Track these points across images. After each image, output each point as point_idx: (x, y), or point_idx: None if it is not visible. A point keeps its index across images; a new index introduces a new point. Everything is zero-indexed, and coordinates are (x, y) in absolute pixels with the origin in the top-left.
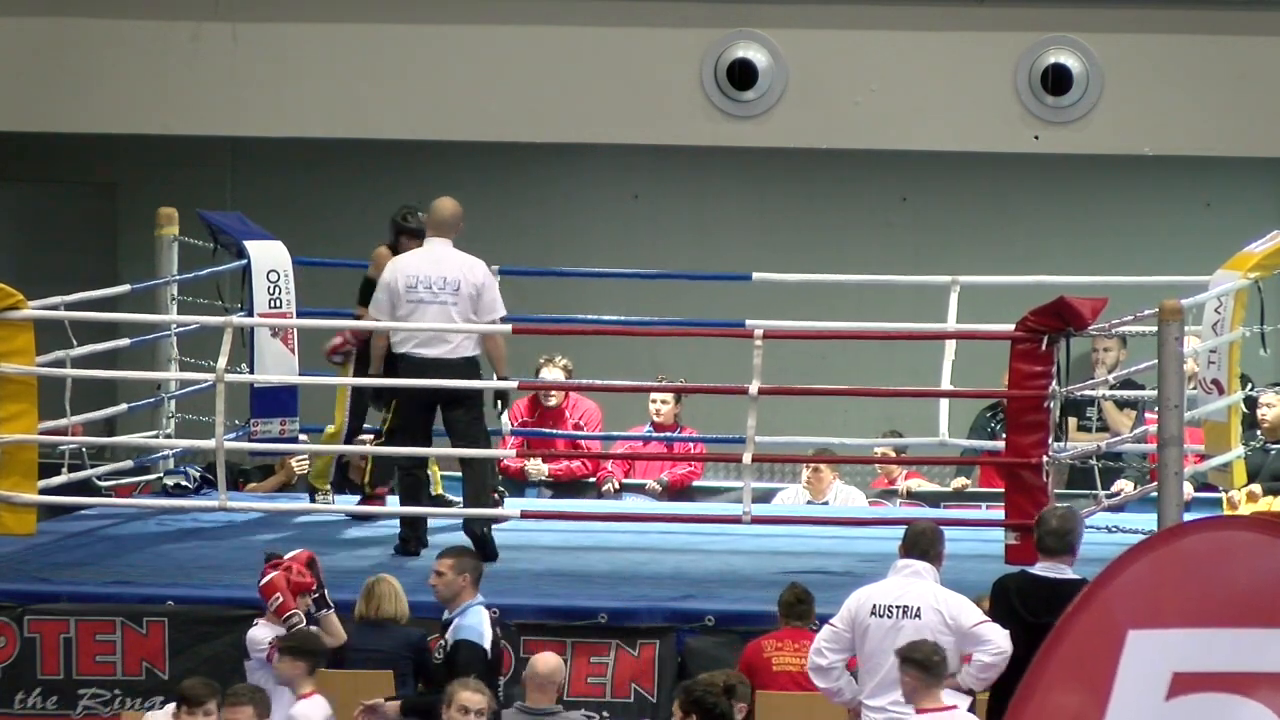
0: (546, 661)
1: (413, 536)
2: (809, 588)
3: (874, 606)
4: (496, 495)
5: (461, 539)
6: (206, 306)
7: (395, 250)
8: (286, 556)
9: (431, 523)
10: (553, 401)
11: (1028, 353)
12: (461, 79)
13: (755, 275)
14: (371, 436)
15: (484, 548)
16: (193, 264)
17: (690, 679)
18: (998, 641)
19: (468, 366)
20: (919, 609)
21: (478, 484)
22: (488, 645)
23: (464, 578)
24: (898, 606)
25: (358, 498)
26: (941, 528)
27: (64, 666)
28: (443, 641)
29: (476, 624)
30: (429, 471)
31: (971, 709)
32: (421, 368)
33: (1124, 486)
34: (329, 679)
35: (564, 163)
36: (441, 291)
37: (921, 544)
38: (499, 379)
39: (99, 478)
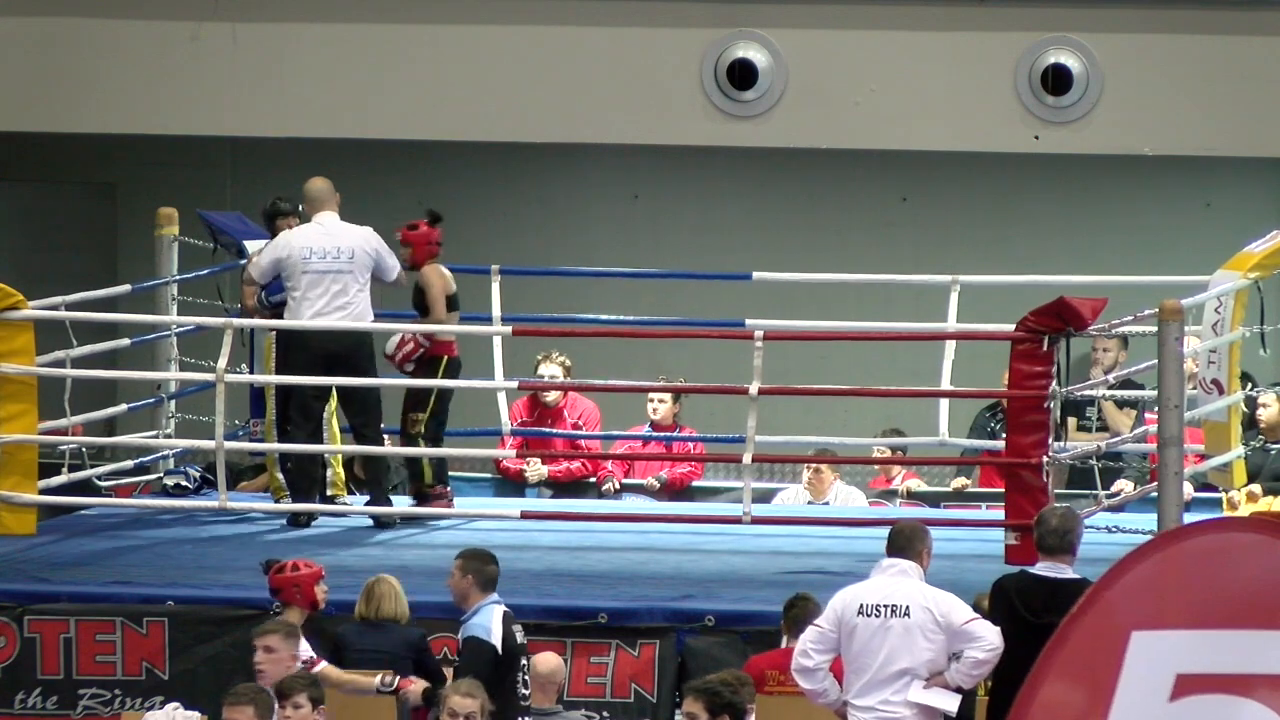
0: (547, 662)
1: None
2: (809, 589)
3: (861, 606)
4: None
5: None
6: (206, 306)
7: None
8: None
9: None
10: (551, 399)
11: (1028, 353)
12: (461, 79)
13: (755, 275)
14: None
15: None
16: (193, 264)
17: (701, 680)
18: (989, 638)
19: (365, 338)
20: (908, 607)
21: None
22: (496, 642)
23: (468, 580)
24: (886, 605)
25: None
26: (928, 526)
27: (64, 666)
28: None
29: (485, 621)
30: (330, 471)
31: (971, 710)
32: (308, 340)
33: (1124, 486)
34: (329, 679)
35: (564, 163)
36: (336, 260)
37: (902, 542)
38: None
39: (99, 478)
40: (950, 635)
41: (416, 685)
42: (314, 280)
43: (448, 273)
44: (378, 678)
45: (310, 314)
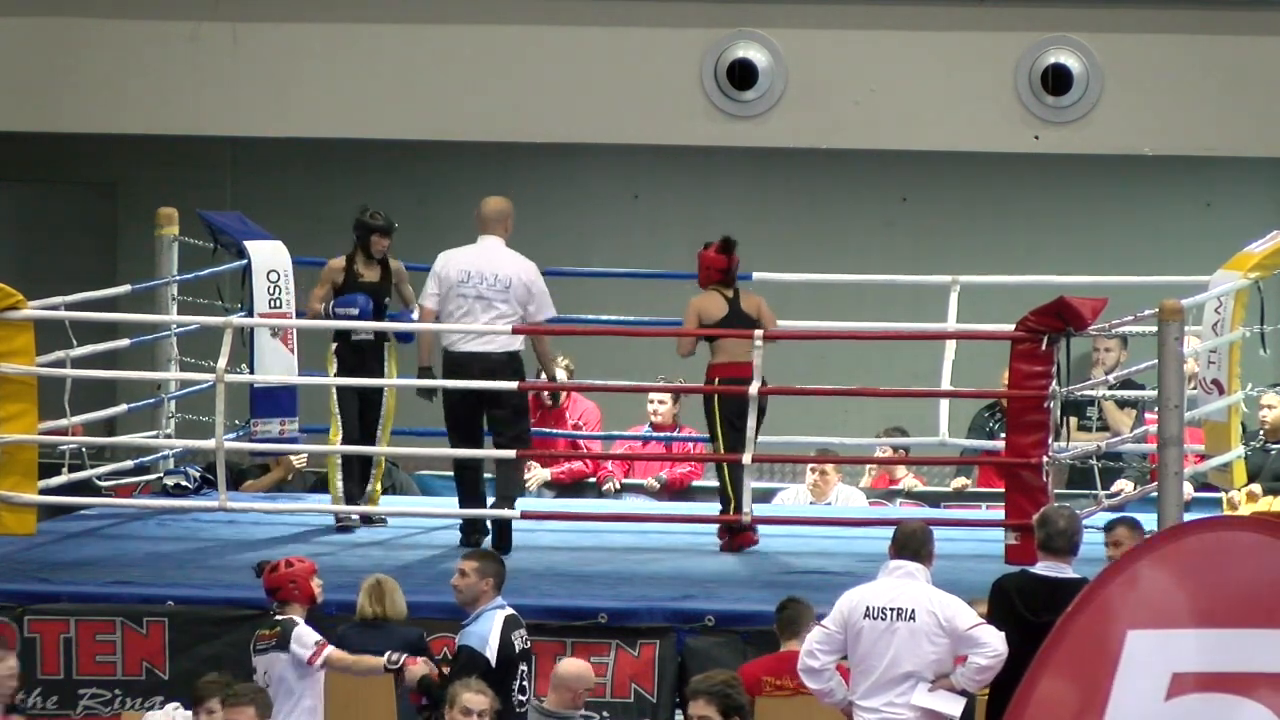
0: (569, 666)
1: (472, 530)
2: (809, 589)
3: (867, 609)
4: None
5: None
6: (206, 306)
7: (366, 253)
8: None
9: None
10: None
11: (1028, 353)
12: (461, 79)
13: (755, 275)
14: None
15: (504, 539)
16: (193, 264)
17: (704, 682)
18: (994, 644)
19: (509, 361)
20: (913, 611)
21: (504, 479)
22: (491, 653)
23: (486, 581)
24: (892, 609)
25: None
26: (930, 527)
27: (64, 666)
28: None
29: (484, 631)
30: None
31: (970, 708)
32: (462, 362)
33: (1124, 486)
34: (329, 679)
35: (564, 163)
36: (491, 288)
37: (913, 545)
38: (548, 377)
39: (99, 478)
40: (955, 640)
41: (419, 666)
42: (462, 304)
43: (718, 300)
44: (385, 656)
45: (453, 339)
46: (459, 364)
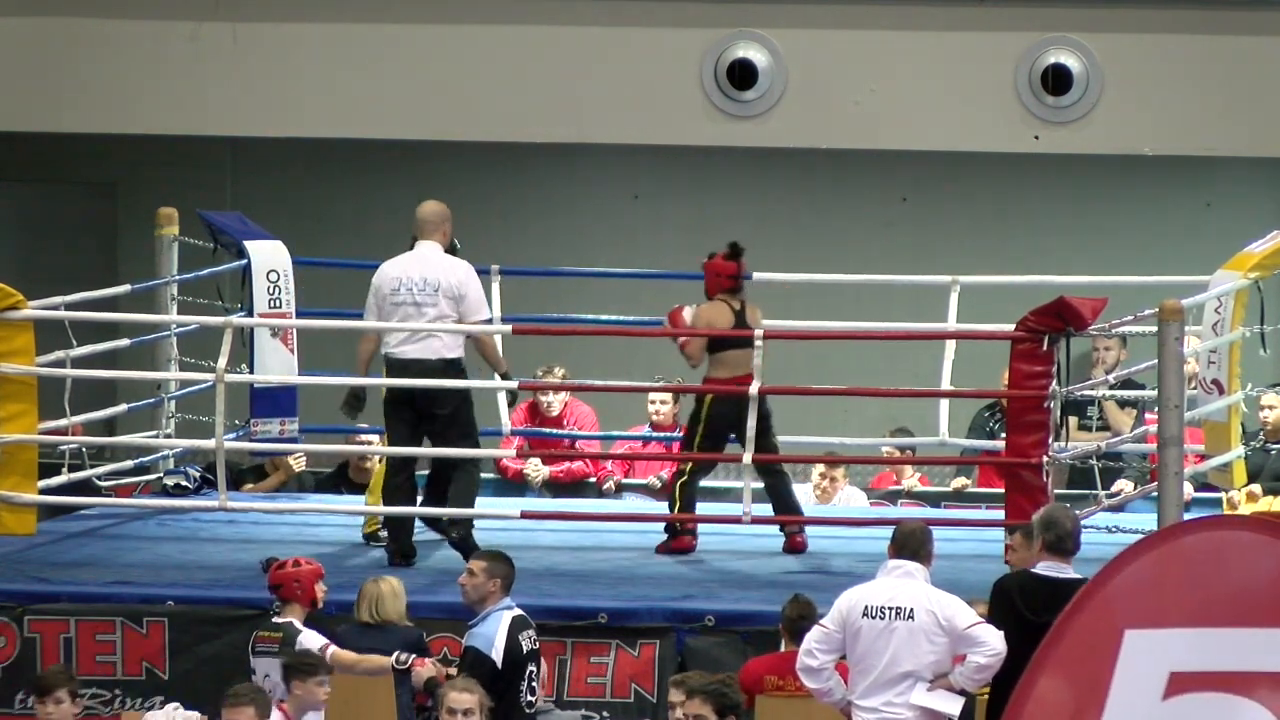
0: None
1: (396, 547)
2: (809, 589)
3: (866, 608)
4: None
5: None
6: (206, 306)
7: None
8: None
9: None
10: (555, 411)
11: (1028, 353)
12: (462, 79)
13: (755, 275)
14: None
15: (464, 553)
16: (193, 264)
17: (697, 681)
18: (992, 643)
19: (447, 369)
20: (912, 610)
21: (457, 488)
22: (497, 655)
23: (494, 582)
24: (891, 608)
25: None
26: (930, 527)
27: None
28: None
29: (490, 632)
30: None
31: (970, 708)
32: (401, 368)
33: (1124, 486)
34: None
35: (564, 163)
36: (421, 293)
37: (912, 544)
38: (502, 378)
39: (99, 478)
40: (953, 639)
41: (427, 668)
42: (395, 312)
43: (725, 312)
44: (394, 656)
45: (393, 345)
46: (398, 369)
